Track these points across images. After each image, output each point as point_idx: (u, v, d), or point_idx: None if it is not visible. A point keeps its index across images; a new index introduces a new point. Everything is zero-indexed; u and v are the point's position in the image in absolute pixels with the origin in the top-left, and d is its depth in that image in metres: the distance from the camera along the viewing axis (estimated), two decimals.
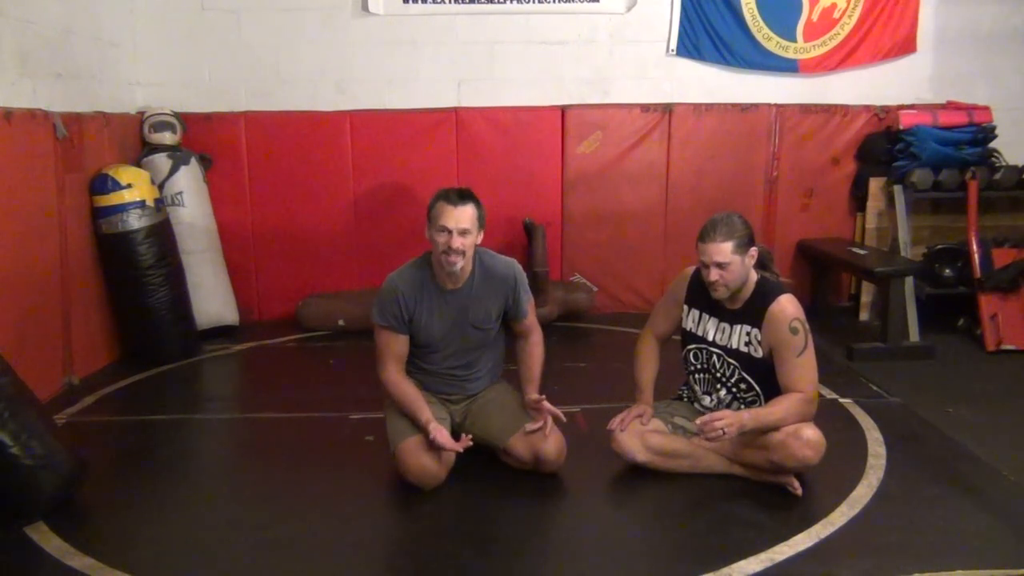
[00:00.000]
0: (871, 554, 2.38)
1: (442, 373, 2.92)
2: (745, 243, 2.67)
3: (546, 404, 2.79)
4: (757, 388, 2.77)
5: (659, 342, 3.01)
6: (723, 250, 2.64)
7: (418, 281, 2.81)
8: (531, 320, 2.98)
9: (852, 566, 2.32)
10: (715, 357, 2.83)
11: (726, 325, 2.79)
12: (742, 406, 2.79)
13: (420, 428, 2.76)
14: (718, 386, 2.84)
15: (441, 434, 2.71)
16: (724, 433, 2.56)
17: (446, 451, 2.73)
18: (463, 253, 2.69)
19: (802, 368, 2.67)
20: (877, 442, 3.18)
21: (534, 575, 2.43)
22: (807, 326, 2.69)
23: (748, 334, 2.74)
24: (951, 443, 3.22)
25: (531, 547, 2.53)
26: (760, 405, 2.76)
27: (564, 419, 2.85)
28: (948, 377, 4.29)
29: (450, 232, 2.66)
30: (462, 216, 2.68)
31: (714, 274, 2.66)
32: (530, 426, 2.81)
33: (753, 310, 2.73)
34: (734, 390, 2.81)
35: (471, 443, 2.75)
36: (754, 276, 2.77)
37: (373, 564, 2.48)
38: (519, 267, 2.94)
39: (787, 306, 2.68)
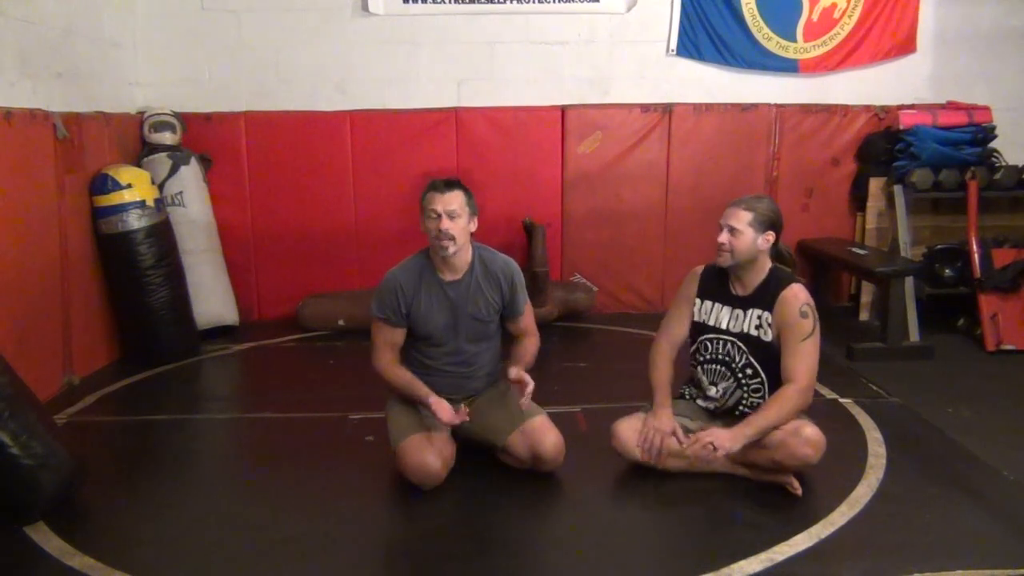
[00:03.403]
0: (871, 554, 2.38)
1: (443, 370, 2.92)
2: (764, 223, 2.73)
3: (525, 376, 2.75)
4: (763, 375, 2.79)
5: (673, 348, 2.98)
6: (741, 217, 2.72)
7: (417, 273, 2.85)
8: (528, 323, 2.99)
9: (852, 566, 2.32)
10: (724, 344, 2.85)
11: (739, 311, 2.82)
12: (746, 394, 2.81)
13: (421, 401, 2.80)
14: (727, 373, 2.85)
15: (442, 408, 2.76)
16: (715, 449, 2.61)
17: (448, 429, 2.79)
18: (454, 238, 2.73)
19: (803, 354, 2.70)
20: (877, 442, 3.18)
21: (534, 575, 2.43)
22: (816, 315, 2.74)
23: (759, 317, 2.77)
24: (951, 443, 3.22)
25: (531, 547, 2.53)
26: (764, 394, 2.78)
27: (528, 395, 2.75)
28: (948, 377, 4.28)
29: (439, 216, 2.72)
30: (451, 200, 2.74)
31: (724, 236, 2.74)
32: (524, 401, 2.75)
33: (766, 294, 2.78)
34: (740, 375, 2.83)
35: (468, 416, 2.78)
36: (768, 263, 2.81)
37: (373, 564, 2.48)
38: (517, 267, 2.97)
39: (799, 292, 2.74)
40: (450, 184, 2.79)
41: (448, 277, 2.84)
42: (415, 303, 2.83)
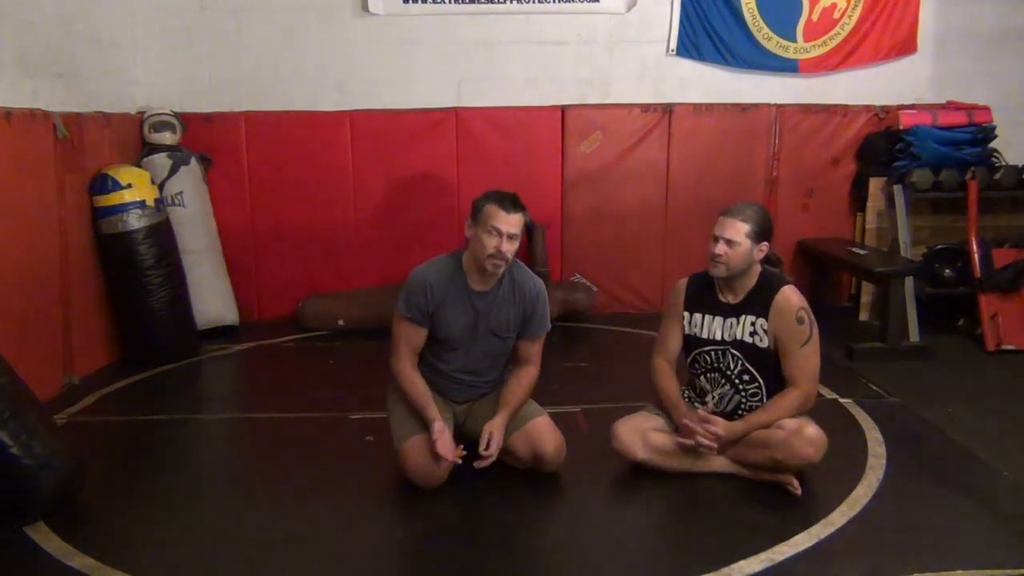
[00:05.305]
0: (871, 554, 2.38)
1: (452, 375, 2.91)
2: (760, 234, 2.72)
3: (496, 439, 2.74)
4: (760, 380, 2.78)
5: (672, 363, 2.96)
6: (739, 229, 2.70)
7: (448, 276, 2.81)
8: (535, 352, 2.93)
9: (852, 566, 2.32)
10: (719, 353, 2.83)
11: (732, 320, 2.80)
12: (744, 399, 2.81)
13: (425, 422, 2.76)
14: (723, 380, 2.84)
15: (443, 440, 2.71)
16: (711, 443, 2.68)
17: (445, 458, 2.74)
18: (507, 259, 2.71)
19: (805, 359, 2.71)
20: (877, 442, 3.18)
21: (534, 575, 2.43)
22: (812, 316, 2.73)
23: (753, 324, 2.76)
24: (951, 443, 3.22)
25: (531, 547, 2.54)
26: (762, 398, 2.78)
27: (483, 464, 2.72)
28: (948, 377, 4.28)
29: (501, 235, 2.67)
30: (515, 222, 2.69)
31: (720, 248, 2.71)
32: (479, 463, 2.72)
33: (758, 300, 2.76)
34: (736, 381, 2.82)
35: (464, 454, 2.74)
36: (758, 268, 2.80)
37: (373, 564, 2.48)
38: (544, 291, 2.92)
39: (792, 296, 2.73)
40: (516, 204, 2.71)
41: (478, 287, 2.81)
42: (441, 306, 2.80)
